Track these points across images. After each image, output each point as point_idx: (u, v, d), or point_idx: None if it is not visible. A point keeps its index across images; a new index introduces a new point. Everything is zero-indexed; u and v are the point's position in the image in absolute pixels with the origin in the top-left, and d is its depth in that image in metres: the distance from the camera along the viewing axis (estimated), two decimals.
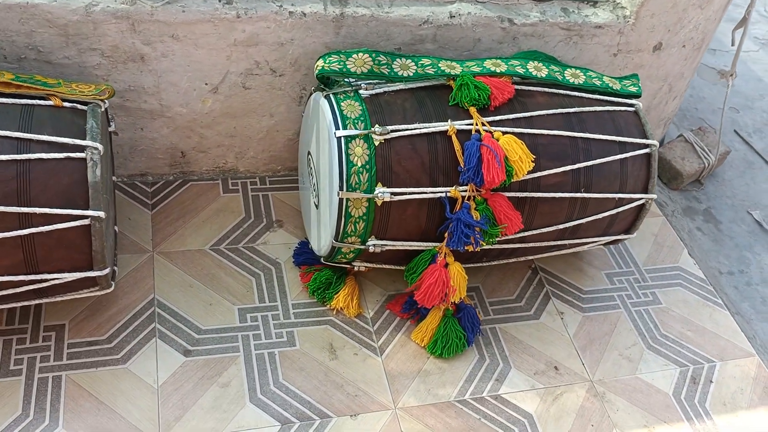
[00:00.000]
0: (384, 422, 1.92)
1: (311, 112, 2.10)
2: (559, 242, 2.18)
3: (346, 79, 2.02)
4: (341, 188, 1.87)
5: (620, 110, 2.18)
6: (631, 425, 2.04)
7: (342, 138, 1.88)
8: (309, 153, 2.17)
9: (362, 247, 1.98)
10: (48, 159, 1.66)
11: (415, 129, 1.93)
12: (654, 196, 2.17)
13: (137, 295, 2.08)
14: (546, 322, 2.27)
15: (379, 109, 1.96)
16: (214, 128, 2.30)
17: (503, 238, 2.00)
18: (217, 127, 2.31)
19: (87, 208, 1.68)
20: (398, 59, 2.03)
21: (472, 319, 2.12)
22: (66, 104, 1.79)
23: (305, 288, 2.19)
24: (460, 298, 2.02)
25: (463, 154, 1.91)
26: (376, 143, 1.89)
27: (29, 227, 1.65)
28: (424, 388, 2.02)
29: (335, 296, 2.15)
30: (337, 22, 2.12)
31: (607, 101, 2.18)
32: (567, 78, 2.15)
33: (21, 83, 1.76)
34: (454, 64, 2.07)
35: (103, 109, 1.84)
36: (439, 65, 2.04)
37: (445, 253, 1.99)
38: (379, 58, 2.00)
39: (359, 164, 1.87)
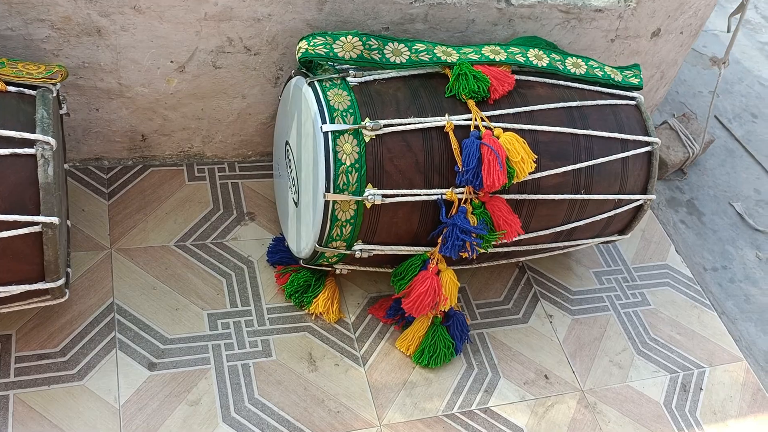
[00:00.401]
0: None
1: (291, 98, 1.89)
2: (554, 244, 2.05)
3: (331, 64, 1.81)
4: (327, 189, 1.69)
5: (622, 104, 2.04)
6: None
7: (329, 133, 1.69)
8: (287, 143, 1.96)
9: (348, 252, 1.81)
10: None
11: (409, 124, 1.74)
12: (653, 196, 2.06)
13: (94, 300, 1.87)
14: (535, 326, 2.16)
15: (369, 99, 1.77)
16: (179, 110, 2.07)
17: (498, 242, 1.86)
18: (183, 109, 2.07)
19: (38, 213, 1.46)
20: (390, 43, 1.83)
21: (461, 327, 1.99)
22: (11, 89, 1.54)
23: (281, 290, 2.01)
24: (451, 306, 1.88)
25: (461, 154, 1.75)
26: (367, 139, 1.71)
27: None
28: (411, 402, 1.89)
29: (314, 300, 1.98)
30: None
31: (608, 93, 2.04)
32: (568, 68, 1.99)
33: None
34: (449, 50, 1.88)
35: (54, 94, 1.59)
36: (435, 51, 1.85)
37: (437, 260, 1.83)
38: (369, 42, 1.80)
39: (348, 163, 1.69)
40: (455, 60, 1.86)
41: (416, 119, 1.75)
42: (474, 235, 1.76)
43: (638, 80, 2.10)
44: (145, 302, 1.90)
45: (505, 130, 1.80)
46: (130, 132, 2.08)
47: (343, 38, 1.79)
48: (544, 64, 1.96)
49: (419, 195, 1.75)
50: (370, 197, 1.70)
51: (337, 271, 1.96)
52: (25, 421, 1.62)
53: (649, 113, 2.87)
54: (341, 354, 1.94)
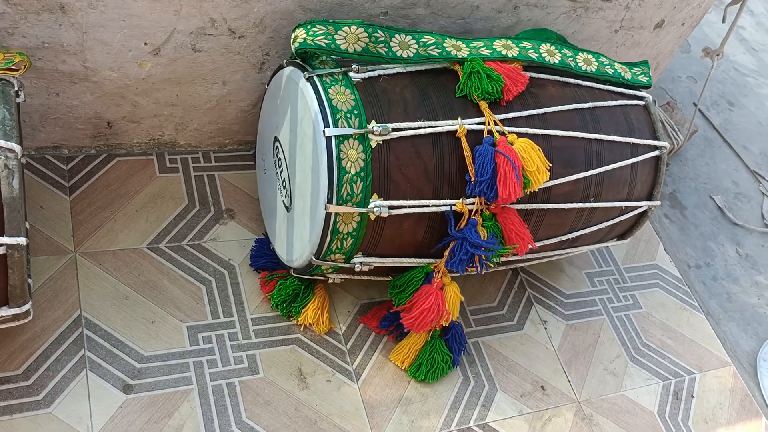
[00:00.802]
0: None
1: (284, 91, 1.70)
2: (555, 252, 1.95)
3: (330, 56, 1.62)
4: (330, 201, 1.52)
5: (631, 105, 1.93)
6: None
7: (332, 138, 1.51)
8: (277, 140, 1.77)
9: (346, 265, 1.66)
10: None
11: (418, 128, 1.59)
12: (658, 203, 1.97)
13: (59, 313, 1.67)
14: (530, 332, 2.07)
15: (375, 99, 1.59)
16: (151, 96, 1.85)
17: None
18: (156, 95, 1.85)
19: (1, 233, 1.25)
20: (397, 35, 1.65)
21: (460, 339, 1.88)
22: None
23: (266, 298, 1.85)
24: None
25: (473, 162, 1.60)
26: (373, 145, 1.54)
27: None
28: (407, 420, 1.78)
29: (303, 310, 1.83)
30: None
31: (618, 93, 1.92)
32: (579, 65, 1.86)
33: None
34: (459, 44, 1.72)
35: (16, 89, 1.36)
36: (444, 45, 1.69)
37: (442, 273, 1.70)
38: (375, 34, 1.62)
39: (353, 171, 1.52)
40: (466, 55, 1.70)
41: (426, 122, 1.60)
42: (483, 249, 1.64)
43: (647, 78, 1.99)
44: (117, 314, 1.71)
45: (519, 135, 1.67)
46: (94, 119, 1.85)
47: (346, 28, 1.60)
48: (557, 61, 1.82)
49: (428, 206, 1.61)
50: (375, 209, 1.55)
51: (330, 281, 1.81)
52: None
53: None
54: (333, 369, 1.80)
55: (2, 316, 1.34)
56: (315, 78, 1.57)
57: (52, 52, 1.64)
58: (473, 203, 1.63)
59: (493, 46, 1.75)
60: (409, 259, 1.70)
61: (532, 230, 1.77)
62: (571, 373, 2.03)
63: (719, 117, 3.28)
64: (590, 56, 1.90)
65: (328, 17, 1.80)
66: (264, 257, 1.88)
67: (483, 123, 1.65)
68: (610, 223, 1.93)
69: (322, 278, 1.79)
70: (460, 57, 1.69)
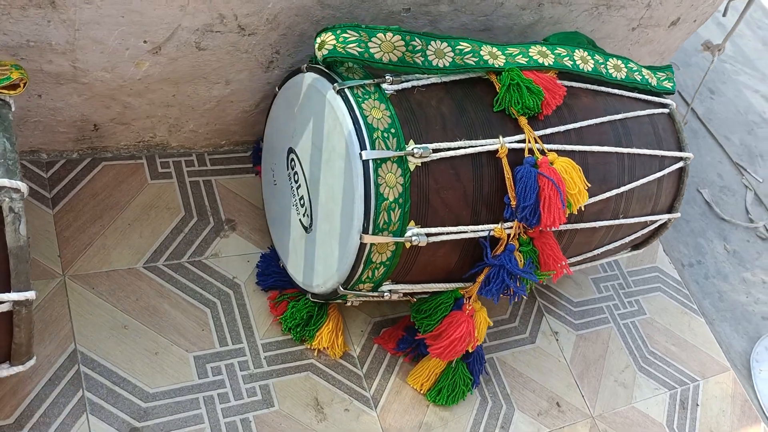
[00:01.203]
0: None
1: (305, 100, 1.53)
2: (576, 267, 1.88)
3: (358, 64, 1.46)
4: (366, 230, 1.38)
5: (657, 113, 1.84)
6: None
7: (370, 161, 1.36)
8: (293, 151, 1.61)
9: (374, 294, 1.53)
10: None
11: (458, 148, 1.45)
12: (678, 214, 1.92)
13: (51, 348, 1.48)
14: (542, 345, 2.00)
15: (411, 115, 1.45)
16: (145, 96, 1.64)
17: None
18: (150, 96, 1.64)
19: (7, 288, 1.06)
20: (433, 42, 1.50)
21: (480, 360, 1.79)
22: None
23: (276, 320, 1.71)
24: None
25: (515, 185, 1.49)
26: (412, 168, 1.41)
27: None
28: None
29: (317, 334, 1.69)
30: None
31: (645, 101, 1.83)
32: (610, 72, 1.76)
33: None
34: (495, 51, 1.58)
35: (13, 110, 1.15)
36: (481, 53, 1.55)
37: (473, 299, 1.60)
38: (413, 43, 1.46)
39: (391, 198, 1.38)
40: (502, 64, 1.56)
41: (466, 142, 1.47)
42: (519, 277, 1.54)
43: (671, 84, 1.91)
44: (116, 346, 1.53)
45: (558, 152, 1.56)
46: (79, 121, 1.63)
47: (381, 35, 1.44)
48: (590, 69, 1.71)
49: (465, 232, 1.49)
50: (414, 239, 1.42)
51: (348, 303, 1.68)
52: None
53: None
54: (350, 396, 1.69)
55: (2, 376, 1.16)
56: (347, 91, 1.41)
57: (37, 52, 1.41)
58: (511, 227, 1.53)
59: (529, 54, 1.62)
60: (438, 285, 1.59)
61: (562, 250, 1.68)
62: (584, 387, 1.98)
63: (702, 106, 3.26)
64: (620, 62, 1.79)
65: (347, 13, 1.63)
66: (273, 276, 1.72)
67: (523, 140, 1.53)
68: (633, 237, 1.87)
69: (339, 301, 1.66)
70: (497, 66, 1.55)
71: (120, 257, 1.64)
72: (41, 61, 1.44)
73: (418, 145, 1.40)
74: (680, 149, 1.86)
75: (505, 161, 1.49)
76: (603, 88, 1.75)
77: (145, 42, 1.49)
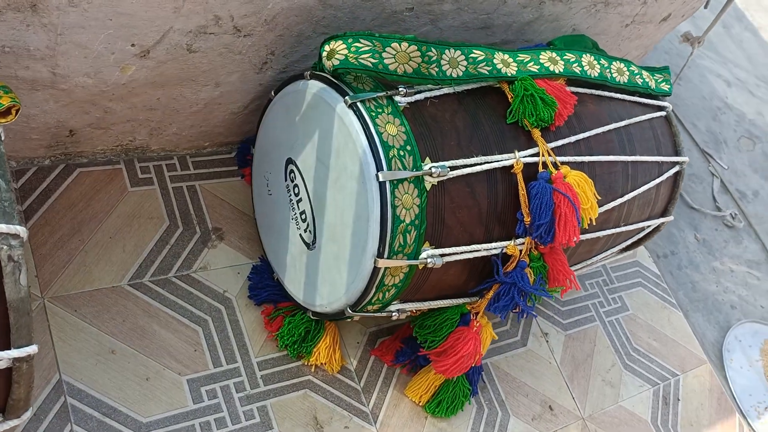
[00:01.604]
0: None
1: (308, 110, 1.43)
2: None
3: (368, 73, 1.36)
4: (381, 255, 1.31)
5: (656, 117, 1.82)
6: None
7: (387, 183, 1.28)
8: (293, 162, 1.50)
9: (381, 314, 1.47)
10: None
11: (474, 165, 1.39)
12: (672, 218, 1.91)
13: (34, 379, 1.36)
14: (533, 348, 1.99)
15: (426, 130, 1.37)
16: (127, 101, 1.50)
17: None
18: (133, 100, 1.50)
19: (8, 346, 0.95)
20: (447, 51, 1.41)
21: (478, 370, 1.76)
22: None
23: (271, 336, 1.62)
24: None
25: (529, 202, 1.44)
26: (428, 187, 1.33)
27: None
28: None
29: (314, 349, 1.62)
30: None
31: (644, 105, 1.80)
32: (614, 76, 1.71)
33: None
34: (507, 58, 1.51)
35: (3, 139, 1.02)
36: (494, 62, 1.47)
37: (481, 314, 1.56)
38: (429, 53, 1.37)
39: (407, 220, 1.31)
40: (515, 72, 1.50)
41: (482, 158, 1.40)
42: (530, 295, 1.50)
43: (668, 86, 1.88)
44: (104, 374, 1.43)
45: (570, 165, 1.51)
46: (54, 128, 1.48)
47: (395, 45, 1.34)
48: (596, 74, 1.66)
49: (479, 251, 1.43)
50: (429, 261, 1.36)
51: (348, 319, 1.61)
52: None
53: None
54: (349, 412, 1.63)
55: None
56: (359, 105, 1.32)
57: (12, 58, 1.26)
58: (523, 243, 1.48)
59: (540, 61, 1.55)
60: (445, 301, 1.53)
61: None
62: (575, 389, 1.98)
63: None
64: (622, 65, 1.75)
65: (349, 13, 1.52)
66: (266, 289, 1.64)
67: (536, 154, 1.48)
68: (629, 242, 1.86)
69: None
70: (510, 75, 1.48)
71: (103, 275, 1.52)
72: (16, 67, 1.28)
73: (436, 164, 1.33)
74: (677, 153, 1.84)
75: (520, 177, 1.44)
76: (606, 93, 1.70)
77: (133, 45, 1.35)
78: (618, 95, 1.73)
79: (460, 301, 1.55)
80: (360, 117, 1.31)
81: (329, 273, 1.44)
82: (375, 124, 1.31)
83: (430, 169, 1.32)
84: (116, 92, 1.45)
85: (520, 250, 1.48)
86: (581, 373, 2.02)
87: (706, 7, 2.54)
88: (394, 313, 1.47)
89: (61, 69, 1.32)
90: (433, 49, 1.38)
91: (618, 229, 1.73)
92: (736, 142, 3.25)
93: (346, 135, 1.32)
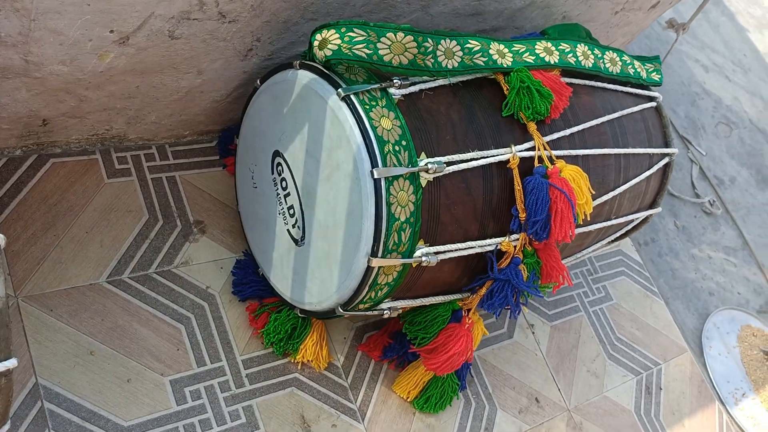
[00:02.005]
0: None
1: (297, 101, 1.37)
2: None
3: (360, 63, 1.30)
4: (375, 254, 1.26)
5: (647, 108, 1.79)
6: None
7: (382, 180, 1.24)
8: (280, 155, 1.44)
9: (373, 312, 1.43)
10: None
11: (470, 160, 1.34)
12: (660, 209, 1.90)
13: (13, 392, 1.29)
14: (520, 340, 1.97)
15: (421, 123, 1.32)
16: (105, 89, 1.42)
17: None
18: (111, 88, 1.42)
19: None
20: (442, 41, 1.36)
21: (467, 364, 1.73)
22: None
23: (256, 333, 1.57)
24: None
25: (524, 198, 1.40)
26: (424, 184, 1.29)
27: None
28: None
29: (301, 346, 1.58)
30: None
31: (635, 95, 1.78)
32: (607, 66, 1.68)
33: None
34: (503, 48, 1.46)
35: None
36: (490, 52, 1.42)
37: (472, 312, 1.53)
38: (425, 44, 1.32)
39: (402, 218, 1.27)
40: (510, 63, 1.45)
41: (478, 153, 1.36)
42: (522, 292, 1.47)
43: (659, 76, 1.86)
44: (83, 376, 1.36)
45: (565, 158, 1.48)
46: (26, 117, 1.40)
47: (391, 35, 1.29)
48: (590, 65, 1.62)
49: (473, 248, 1.40)
50: (424, 260, 1.32)
51: (338, 317, 1.56)
52: None
53: None
54: (336, 410, 1.59)
55: None
56: (353, 98, 1.26)
57: None
58: (518, 239, 1.45)
59: (536, 51, 1.51)
60: (437, 297, 1.50)
61: None
62: (560, 380, 1.97)
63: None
64: (615, 55, 1.72)
65: None
66: (251, 285, 1.58)
67: (532, 148, 1.44)
68: (618, 234, 1.84)
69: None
70: (506, 66, 1.44)
71: (79, 272, 1.45)
72: None
73: (432, 160, 1.28)
74: (666, 144, 1.82)
75: (516, 172, 1.40)
76: (599, 84, 1.67)
77: (111, 32, 1.27)
78: (610, 86, 1.70)
79: (451, 297, 1.52)
80: (354, 110, 1.25)
81: (319, 270, 1.39)
82: (369, 118, 1.25)
83: (426, 165, 1.27)
84: (93, 80, 1.37)
85: (515, 246, 1.45)
86: (567, 365, 2.02)
87: None
88: (385, 311, 1.43)
89: (34, 56, 1.24)
90: (429, 39, 1.32)
91: (609, 222, 1.71)
92: (714, 128, 3.26)
93: (340, 129, 1.27)
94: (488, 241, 1.41)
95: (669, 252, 2.64)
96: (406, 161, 1.27)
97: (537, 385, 1.92)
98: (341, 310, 1.37)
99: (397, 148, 1.26)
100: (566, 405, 1.94)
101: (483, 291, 1.48)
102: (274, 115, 1.43)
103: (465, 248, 1.38)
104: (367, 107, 1.26)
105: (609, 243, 1.96)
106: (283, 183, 1.45)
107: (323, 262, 1.37)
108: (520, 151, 1.41)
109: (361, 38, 1.26)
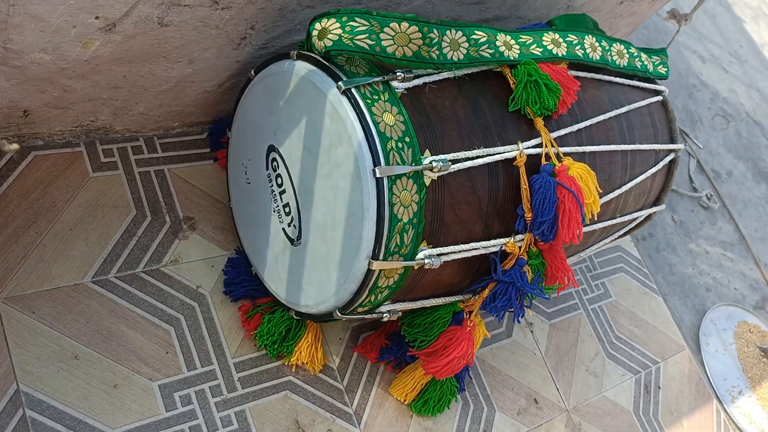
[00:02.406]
0: None
1: (294, 94, 1.29)
2: None
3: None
4: (376, 257, 1.20)
5: (654, 102, 1.74)
6: None
7: (384, 179, 1.17)
8: (275, 150, 1.37)
9: (372, 316, 1.37)
10: None
11: (476, 158, 1.28)
12: (663, 206, 1.85)
13: None
14: (518, 339, 1.92)
15: (425, 118, 1.26)
16: (90, 78, 1.34)
17: None
18: (96, 77, 1.34)
19: None
20: (448, 32, 1.29)
21: (466, 366, 1.68)
22: None
23: (249, 334, 1.51)
24: None
25: (531, 197, 1.34)
26: (428, 183, 1.23)
27: None
28: None
29: (295, 348, 1.52)
30: None
31: (643, 89, 1.72)
32: (614, 59, 1.62)
33: None
34: (510, 40, 1.39)
35: None
36: (497, 44, 1.36)
37: (474, 314, 1.47)
38: (431, 35, 1.25)
39: (405, 219, 1.20)
40: (517, 56, 1.39)
41: (483, 150, 1.30)
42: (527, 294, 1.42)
43: (665, 69, 1.80)
44: (67, 382, 1.30)
45: (572, 156, 1.42)
46: (6, 108, 1.32)
47: (394, 25, 1.22)
48: (597, 57, 1.56)
49: (477, 249, 1.34)
50: (427, 262, 1.26)
51: (336, 320, 1.50)
52: None
53: None
54: (332, 414, 1.54)
55: None
56: (354, 91, 1.19)
57: None
58: (522, 239, 1.39)
59: (543, 44, 1.44)
60: (438, 299, 1.44)
61: None
62: (559, 380, 1.93)
63: None
64: (622, 47, 1.66)
65: None
66: (244, 285, 1.52)
67: (539, 145, 1.38)
68: (622, 232, 1.79)
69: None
70: (513, 59, 1.37)
71: (63, 271, 1.38)
72: None
73: (436, 158, 1.22)
74: (672, 140, 1.77)
75: (522, 170, 1.34)
76: (605, 77, 1.61)
77: (97, 18, 1.19)
78: (617, 79, 1.64)
79: (453, 299, 1.46)
80: (355, 105, 1.18)
81: (316, 272, 1.33)
82: (371, 113, 1.18)
83: (430, 163, 1.21)
84: (77, 69, 1.29)
85: (520, 247, 1.39)
86: (566, 364, 1.97)
87: None
88: (385, 314, 1.37)
89: (13, 44, 1.16)
90: (434, 30, 1.26)
91: (613, 221, 1.66)
92: (711, 120, 3.22)
93: (340, 125, 1.20)
94: (493, 242, 1.35)
95: (667, 247, 2.60)
96: (409, 159, 1.20)
97: (536, 386, 1.88)
98: (339, 314, 1.31)
99: (400, 145, 1.20)
100: (565, 405, 1.90)
101: (486, 293, 1.42)
102: (269, 108, 1.36)
103: (469, 249, 1.32)
104: (369, 101, 1.19)
105: (612, 241, 1.92)
106: (279, 180, 1.38)
107: (321, 263, 1.31)
108: (527, 149, 1.35)
109: (363, 28, 1.19)
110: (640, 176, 1.65)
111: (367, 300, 1.29)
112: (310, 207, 1.31)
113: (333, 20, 1.20)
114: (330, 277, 1.29)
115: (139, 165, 1.56)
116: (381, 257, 1.20)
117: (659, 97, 1.76)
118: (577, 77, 1.52)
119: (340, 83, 1.19)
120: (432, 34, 1.25)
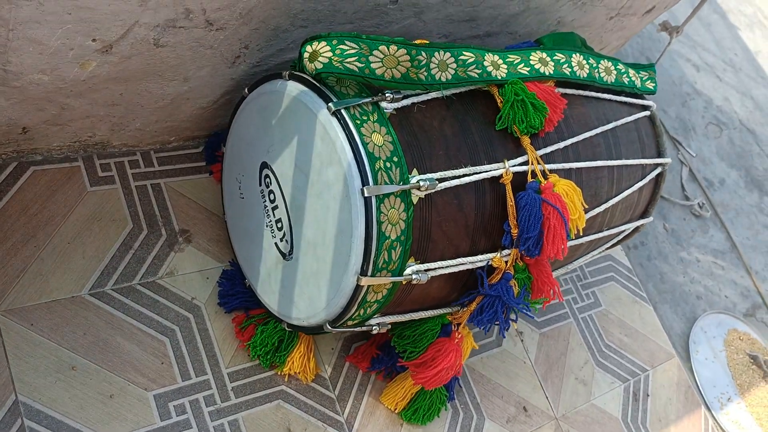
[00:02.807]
0: None
1: (286, 113, 1.33)
2: None
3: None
4: (364, 273, 1.24)
5: (641, 117, 1.77)
6: None
7: (372, 198, 1.21)
8: (268, 167, 1.41)
9: (362, 328, 1.40)
10: None
11: (463, 176, 1.32)
12: (651, 219, 1.89)
13: None
14: (508, 348, 1.96)
15: (413, 138, 1.29)
16: (87, 97, 1.38)
17: None
18: (94, 95, 1.38)
19: None
20: (436, 53, 1.33)
21: (455, 375, 1.72)
22: None
23: (242, 345, 1.55)
24: None
25: (517, 214, 1.38)
26: (415, 201, 1.26)
27: None
28: None
29: (288, 358, 1.55)
30: None
31: (630, 104, 1.76)
32: (602, 76, 1.66)
33: None
34: (497, 59, 1.43)
35: None
36: (484, 64, 1.39)
37: (461, 326, 1.51)
38: (419, 57, 1.28)
39: (393, 237, 1.24)
40: (504, 75, 1.42)
41: (470, 169, 1.33)
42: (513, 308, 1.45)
43: (653, 85, 1.84)
44: (65, 392, 1.33)
45: (558, 173, 1.46)
46: (5, 126, 1.35)
47: (383, 48, 1.25)
48: (585, 75, 1.60)
49: (464, 264, 1.37)
50: (414, 278, 1.29)
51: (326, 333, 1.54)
52: None
53: None
54: (324, 423, 1.57)
55: None
56: (344, 113, 1.23)
57: None
58: (509, 254, 1.42)
59: (530, 62, 1.48)
60: (426, 312, 1.48)
61: None
62: (548, 388, 1.97)
63: None
64: (609, 64, 1.69)
65: (329, 6, 1.41)
66: (238, 296, 1.55)
67: (525, 162, 1.41)
68: (608, 245, 1.83)
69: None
70: (500, 78, 1.41)
71: (61, 284, 1.41)
72: None
73: (423, 177, 1.26)
74: (659, 154, 1.81)
75: (508, 187, 1.37)
76: (593, 93, 1.65)
77: (94, 41, 1.22)
78: (604, 95, 1.67)
79: (441, 311, 1.50)
80: (345, 126, 1.22)
81: (307, 287, 1.36)
82: (360, 134, 1.22)
83: (417, 182, 1.25)
84: (75, 89, 1.32)
85: (506, 262, 1.42)
86: (555, 372, 2.01)
87: None
88: (374, 327, 1.40)
89: (13, 66, 1.19)
90: (423, 52, 1.29)
91: (600, 234, 1.69)
92: (704, 128, 3.26)
93: (330, 146, 1.23)
94: (479, 257, 1.39)
95: (658, 255, 2.64)
96: (397, 178, 1.24)
97: (525, 394, 1.91)
98: (329, 327, 1.35)
99: (388, 164, 1.23)
100: (554, 413, 1.94)
101: (473, 306, 1.46)
102: (262, 126, 1.40)
103: (456, 265, 1.36)
104: (358, 122, 1.23)
105: (599, 253, 1.95)
106: (271, 196, 1.41)
107: (312, 278, 1.34)
108: (513, 166, 1.38)
109: (352, 51, 1.23)
110: (626, 190, 1.69)
111: (356, 314, 1.33)
112: (302, 224, 1.34)
113: (323, 43, 1.23)
114: (320, 292, 1.33)
115: (136, 179, 1.59)
116: (369, 273, 1.24)
117: (647, 112, 1.80)
118: (564, 94, 1.56)
119: (330, 104, 1.23)
120: (420, 57, 1.28)
